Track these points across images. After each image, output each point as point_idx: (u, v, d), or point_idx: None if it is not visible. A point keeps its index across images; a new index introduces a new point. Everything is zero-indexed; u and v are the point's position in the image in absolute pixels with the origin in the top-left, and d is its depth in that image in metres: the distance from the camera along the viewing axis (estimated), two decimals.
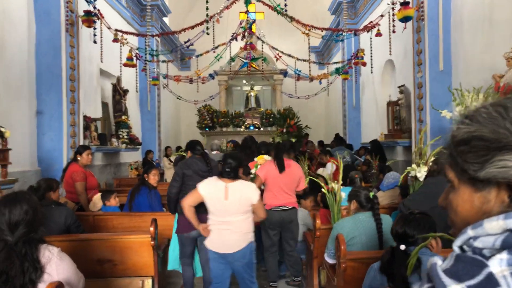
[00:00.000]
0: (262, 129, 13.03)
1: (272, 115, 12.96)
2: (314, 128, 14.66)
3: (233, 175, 3.00)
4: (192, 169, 3.60)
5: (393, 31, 6.39)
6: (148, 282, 3.15)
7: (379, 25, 7.12)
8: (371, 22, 7.02)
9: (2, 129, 4.39)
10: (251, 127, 13.01)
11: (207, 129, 13.11)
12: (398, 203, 4.01)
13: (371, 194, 2.91)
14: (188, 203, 3.05)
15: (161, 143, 11.08)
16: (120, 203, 4.64)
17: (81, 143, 6.54)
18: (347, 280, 2.67)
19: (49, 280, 1.77)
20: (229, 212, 2.96)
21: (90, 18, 6.37)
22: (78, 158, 4.58)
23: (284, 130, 10.44)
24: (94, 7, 6.31)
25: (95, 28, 6.49)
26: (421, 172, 3.17)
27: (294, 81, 10.56)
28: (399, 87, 7.62)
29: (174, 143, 13.73)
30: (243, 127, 13.09)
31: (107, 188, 6.91)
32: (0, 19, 5.23)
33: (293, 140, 10.01)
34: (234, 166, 3.00)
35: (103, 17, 6.70)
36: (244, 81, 14.29)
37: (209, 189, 2.99)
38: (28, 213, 1.79)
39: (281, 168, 3.99)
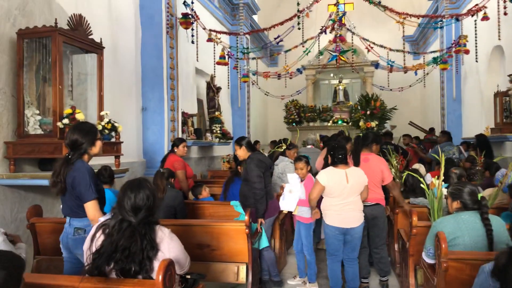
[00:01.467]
0: (350, 123, 12.67)
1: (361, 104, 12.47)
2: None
3: (346, 162, 3.57)
4: (268, 163, 3.92)
5: (505, 13, 5.73)
6: (243, 268, 3.32)
7: (485, 7, 6.46)
8: (476, 5, 6.40)
9: (116, 124, 4.93)
10: (339, 122, 12.73)
11: (294, 124, 13.17)
12: (508, 203, 3.64)
13: (479, 195, 2.67)
14: (314, 196, 3.60)
15: (250, 137, 11.44)
16: (215, 193, 4.93)
17: (180, 136, 7.07)
18: (449, 281, 2.51)
19: (162, 257, 1.98)
20: (350, 193, 3.51)
21: (188, 20, 6.83)
22: (175, 150, 4.97)
23: (368, 112, 9.97)
24: (192, 9, 6.73)
25: (193, 29, 6.92)
26: None
27: (385, 73, 10.06)
28: (509, 75, 6.83)
29: (262, 137, 14.05)
30: (330, 121, 12.88)
31: (202, 179, 7.37)
32: (114, 27, 5.87)
33: (375, 124, 9.52)
34: (345, 154, 3.58)
35: (198, 19, 7.12)
36: (332, 75, 14.03)
37: (331, 178, 3.52)
38: (149, 198, 2.03)
39: (356, 164, 3.86)
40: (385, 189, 4.13)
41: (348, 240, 3.57)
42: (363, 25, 12.46)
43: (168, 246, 2.04)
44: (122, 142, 5.09)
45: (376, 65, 10.07)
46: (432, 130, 10.21)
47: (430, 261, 2.79)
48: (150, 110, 6.69)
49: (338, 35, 8.48)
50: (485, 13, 6.57)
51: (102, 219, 2.18)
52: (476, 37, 7.39)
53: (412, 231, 3.36)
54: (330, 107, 13.39)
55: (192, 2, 6.69)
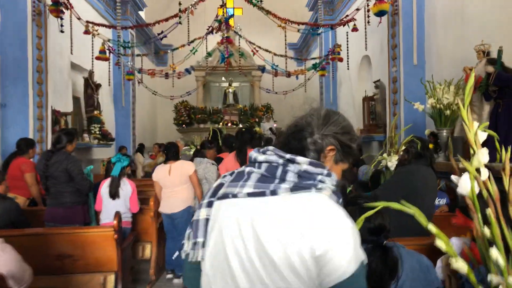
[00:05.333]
0: (240, 125, 12.93)
1: (250, 112, 12.93)
2: None
3: (174, 158, 4.22)
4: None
5: (368, 22, 6.39)
6: (111, 278, 3.02)
7: (355, 19, 7.11)
8: (347, 15, 7.01)
9: None
10: (229, 124, 12.87)
11: (184, 125, 12.91)
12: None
13: (348, 189, 2.84)
14: (157, 191, 4.25)
15: (136, 139, 10.83)
16: None
17: (49, 137, 6.30)
18: None
19: None
20: (173, 184, 4.13)
21: (58, 8, 6.14)
22: (30, 151, 4.40)
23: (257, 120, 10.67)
24: None
25: (62, 19, 6.23)
26: (392, 161, 3.13)
27: (272, 78, 10.49)
28: (374, 82, 7.65)
29: (151, 139, 13.48)
30: (221, 123, 12.95)
31: None
32: None
33: (258, 130, 10.22)
34: (175, 151, 4.28)
35: (72, 8, 6.46)
36: (223, 78, 14.15)
37: (158, 173, 4.23)
38: None
39: (243, 163, 3.74)
40: None
41: (175, 224, 4.13)
42: (252, 30, 12.81)
43: None
44: None
45: (262, 69, 10.42)
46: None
47: None
48: (11, 107, 5.81)
49: (225, 37, 8.53)
50: (354, 24, 7.23)
51: None
52: (347, 46, 8.11)
53: None
54: (220, 109, 13.46)
55: None
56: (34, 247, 2.92)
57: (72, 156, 3.62)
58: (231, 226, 0.99)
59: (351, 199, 2.07)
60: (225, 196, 1.03)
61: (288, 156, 1.01)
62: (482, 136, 1.07)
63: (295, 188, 0.97)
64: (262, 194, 0.97)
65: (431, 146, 4.70)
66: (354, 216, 1.97)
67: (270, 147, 1.06)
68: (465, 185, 1.06)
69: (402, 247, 1.89)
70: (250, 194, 0.98)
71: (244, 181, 1.01)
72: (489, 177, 1.06)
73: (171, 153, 4.23)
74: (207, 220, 1.05)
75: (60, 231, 3.04)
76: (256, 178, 1.01)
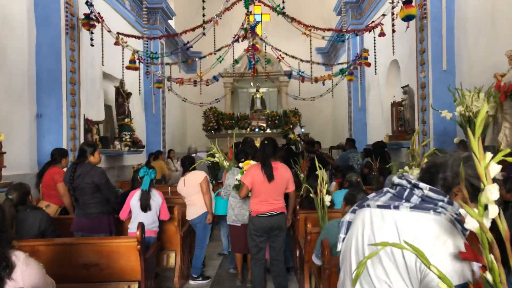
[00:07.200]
0: (268, 130, 12.96)
1: (277, 117, 12.90)
2: (321, 129, 14.54)
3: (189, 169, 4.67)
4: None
5: (393, 31, 6.25)
6: (135, 286, 3.11)
7: (382, 24, 6.98)
8: (372, 21, 6.90)
9: None
10: (256, 129, 12.93)
11: (212, 131, 13.09)
12: None
13: None
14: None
15: (166, 145, 11.08)
16: None
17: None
18: (335, 284, 2.58)
19: (13, 286, 1.73)
20: (188, 193, 4.56)
21: (90, 22, 6.41)
22: (63, 161, 4.63)
23: (291, 127, 10.68)
24: (91, 12, 6.34)
25: (92, 33, 6.49)
26: (413, 175, 3.04)
27: (299, 83, 10.45)
28: (402, 87, 7.47)
29: (180, 145, 13.74)
30: (248, 129, 13.03)
31: None
32: (1, 26, 5.28)
33: (292, 136, 10.16)
34: (192, 162, 4.68)
35: (103, 21, 6.72)
36: (251, 84, 14.23)
37: (179, 184, 4.69)
38: None
39: (270, 177, 3.72)
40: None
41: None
42: (280, 35, 12.81)
43: (22, 273, 1.78)
44: (5, 153, 4.56)
45: (289, 74, 10.40)
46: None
47: (318, 262, 2.85)
48: (46, 117, 6.11)
49: (251, 44, 8.59)
50: (381, 29, 7.10)
51: None
52: (375, 51, 7.97)
53: (307, 238, 3.43)
54: (247, 115, 13.54)
55: (92, 5, 6.28)
56: (62, 256, 3.05)
57: (97, 167, 3.75)
58: (357, 224, 1.32)
59: None
60: (362, 206, 1.35)
61: (413, 181, 1.25)
62: (495, 169, 0.99)
63: (414, 208, 1.19)
64: (387, 207, 1.24)
65: None
66: None
67: (405, 174, 1.32)
68: (472, 222, 1.01)
69: None
70: (379, 206, 1.27)
71: (379, 197, 1.31)
72: (499, 214, 0.99)
73: (185, 166, 4.70)
74: (349, 222, 1.39)
75: (87, 241, 3.16)
76: (389, 196, 1.29)
